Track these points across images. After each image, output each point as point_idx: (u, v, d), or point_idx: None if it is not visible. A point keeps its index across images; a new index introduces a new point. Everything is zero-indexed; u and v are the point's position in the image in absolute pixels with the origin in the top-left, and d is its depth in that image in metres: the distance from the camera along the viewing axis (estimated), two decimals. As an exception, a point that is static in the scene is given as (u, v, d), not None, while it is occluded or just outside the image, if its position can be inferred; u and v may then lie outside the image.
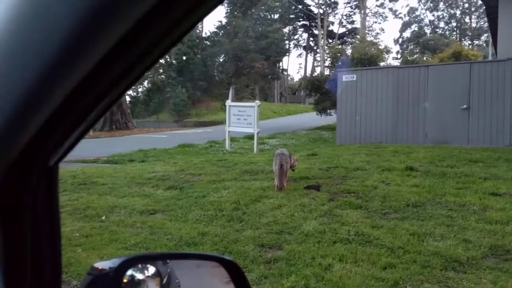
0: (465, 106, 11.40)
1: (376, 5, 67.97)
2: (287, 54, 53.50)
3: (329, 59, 26.70)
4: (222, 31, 43.39)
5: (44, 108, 0.49)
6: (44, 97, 0.48)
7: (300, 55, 71.59)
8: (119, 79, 0.49)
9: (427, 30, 59.71)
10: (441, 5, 59.98)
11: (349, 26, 54.02)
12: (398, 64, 39.15)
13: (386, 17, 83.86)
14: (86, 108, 0.51)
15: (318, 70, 41.28)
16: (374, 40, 41.01)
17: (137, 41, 0.45)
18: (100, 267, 0.84)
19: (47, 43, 0.44)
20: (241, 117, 13.63)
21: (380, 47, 25.41)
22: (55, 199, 0.61)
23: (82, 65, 0.45)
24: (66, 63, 0.45)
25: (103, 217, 5.66)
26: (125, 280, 0.86)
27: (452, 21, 60.84)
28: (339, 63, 19.77)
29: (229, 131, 14.23)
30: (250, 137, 15.16)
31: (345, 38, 52.39)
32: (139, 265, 0.93)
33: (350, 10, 53.41)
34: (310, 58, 58.26)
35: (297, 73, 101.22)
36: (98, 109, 0.52)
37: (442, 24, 61.47)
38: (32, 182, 0.56)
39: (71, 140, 0.55)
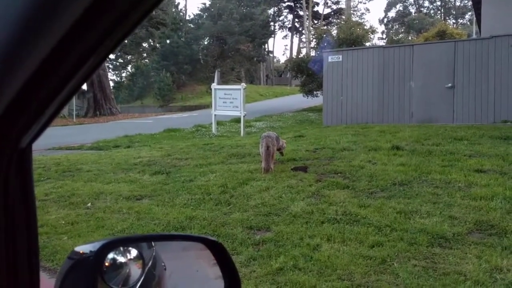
0: (450, 84, 11.48)
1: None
2: (273, 35, 53.24)
3: (314, 40, 26.57)
4: (206, 13, 42.85)
5: (9, 86, 0.46)
6: (8, 75, 0.45)
7: (285, 36, 71.40)
8: (88, 54, 0.46)
9: (412, 10, 59.87)
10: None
11: (334, 7, 53.88)
12: (384, 44, 39.18)
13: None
14: (56, 86, 0.49)
15: (304, 51, 41.10)
16: (359, 20, 40.94)
17: (104, 12, 0.42)
18: (81, 251, 0.82)
19: (7, 16, 0.41)
20: (227, 100, 13.53)
21: (365, 27, 25.33)
22: (29, 182, 0.57)
23: (47, 40, 0.42)
24: (28, 37, 0.42)
25: (89, 204, 5.60)
26: (107, 264, 0.84)
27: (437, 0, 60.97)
28: (325, 44, 19.65)
29: (215, 115, 14.15)
30: (236, 120, 15.10)
31: (330, 19, 52.20)
32: (121, 248, 0.90)
33: (335, -10, 53.15)
34: (295, 39, 57.90)
35: (283, 55, 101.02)
36: (70, 87, 0.49)
37: (426, 3, 61.65)
38: (2, 165, 0.53)
39: (43, 120, 0.52)
